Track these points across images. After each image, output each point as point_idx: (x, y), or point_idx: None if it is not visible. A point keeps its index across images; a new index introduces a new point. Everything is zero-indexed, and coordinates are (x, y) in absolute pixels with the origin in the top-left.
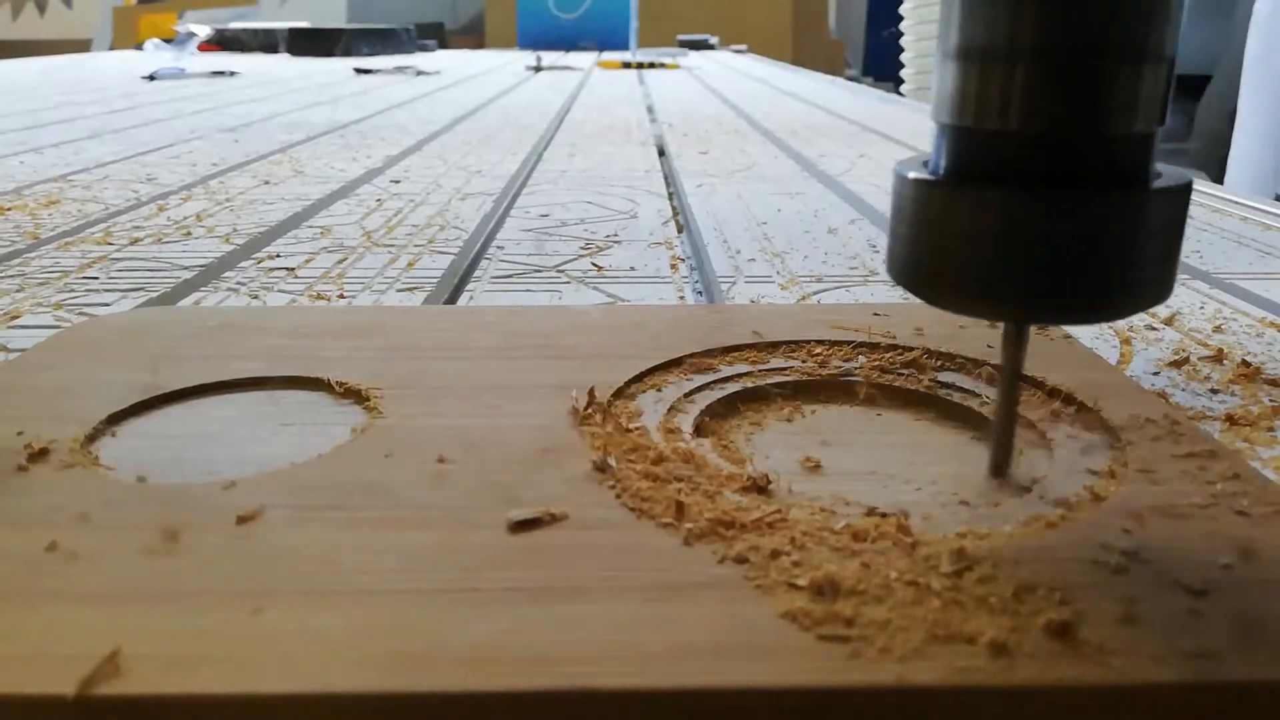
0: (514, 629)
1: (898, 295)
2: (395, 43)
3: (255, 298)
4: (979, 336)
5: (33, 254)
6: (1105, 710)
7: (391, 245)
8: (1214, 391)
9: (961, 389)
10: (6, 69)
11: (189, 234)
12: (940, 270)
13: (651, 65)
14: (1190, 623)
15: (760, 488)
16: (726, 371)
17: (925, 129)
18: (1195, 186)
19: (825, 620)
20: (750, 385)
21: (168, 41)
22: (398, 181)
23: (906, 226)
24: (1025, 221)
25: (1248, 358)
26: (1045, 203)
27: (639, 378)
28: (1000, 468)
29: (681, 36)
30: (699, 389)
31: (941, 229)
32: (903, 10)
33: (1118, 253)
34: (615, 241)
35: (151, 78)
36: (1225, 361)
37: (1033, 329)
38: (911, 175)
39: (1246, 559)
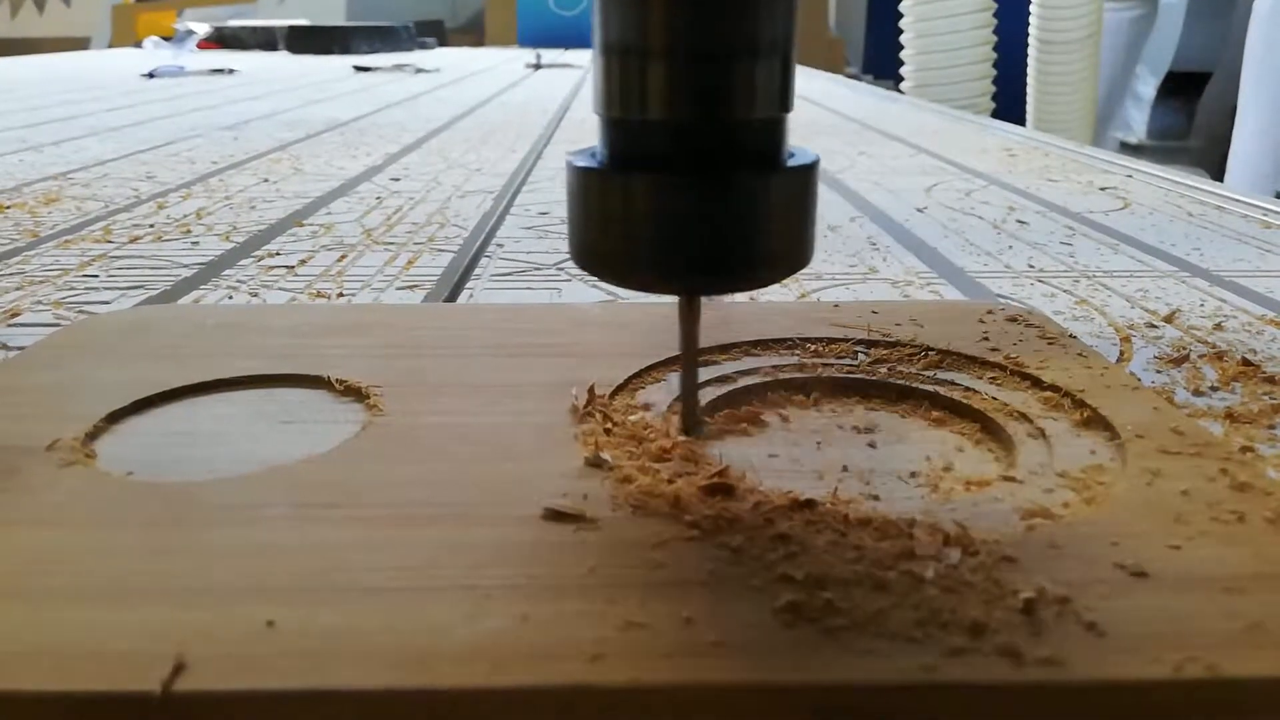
0: (514, 626)
1: (898, 293)
2: (395, 40)
3: (255, 295)
4: (978, 333)
5: (32, 252)
6: (1103, 709)
7: (391, 243)
8: (1214, 389)
9: (960, 385)
10: (5, 67)
11: (189, 232)
12: (609, 251)
13: None
14: (1186, 621)
15: (758, 483)
16: (726, 369)
17: (925, 126)
18: (1196, 184)
19: (821, 613)
20: (750, 382)
21: (167, 39)
22: (397, 179)
23: (577, 211)
24: (671, 202)
25: (1248, 355)
26: (684, 185)
27: (639, 375)
28: (689, 429)
29: None
30: (698, 386)
31: (604, 213)
32: (902, 8)
33: (755, 225)
34: None
35: (150, 75)
36: (1226, 359)
37: (1031, 328)
38: (577, 164)
39: (1244, 558)
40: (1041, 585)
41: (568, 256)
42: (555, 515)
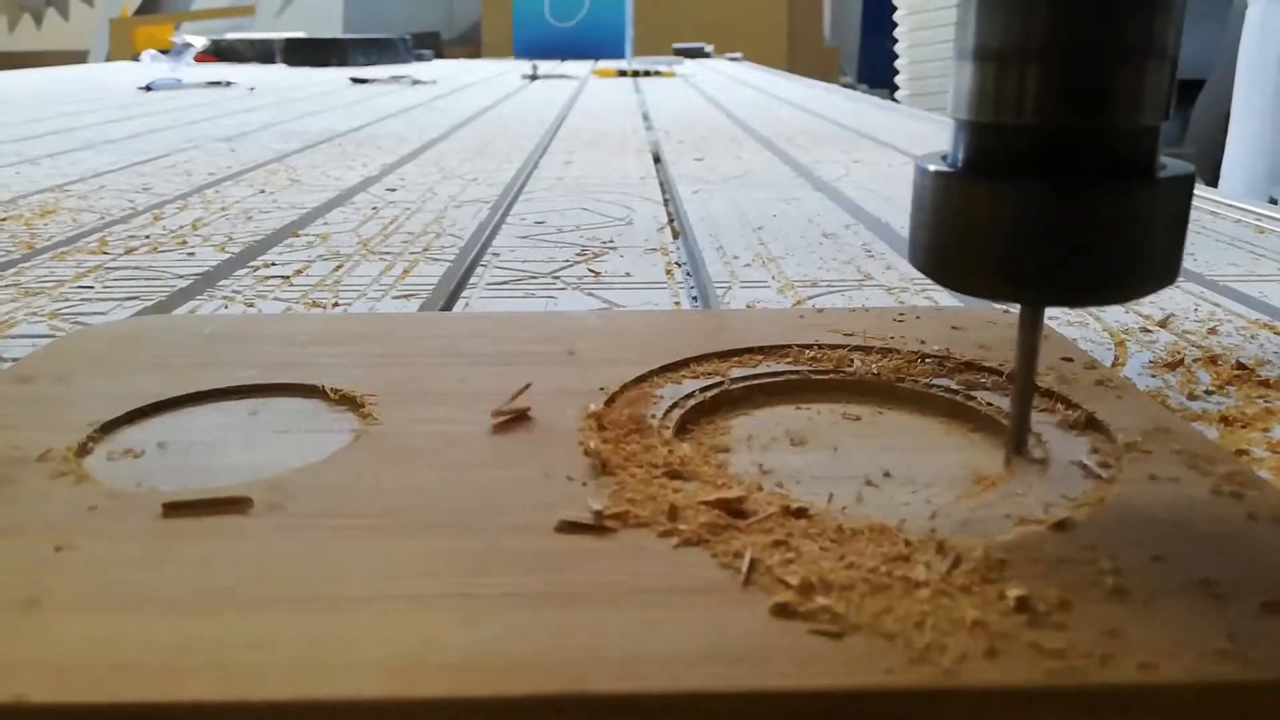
0: (509, 635)
1: (892, 300)
2: (391, 52)
3: (250, 306)
4: (972, 339)
5: (28, 264)
6: (1097, 711)
7: (387, 253)
8: (1209, 393)
9: (957, 390)
10: (3, 80)
11: (184, 243)
12: (961, 257)
13: (647, 73)
14: (1180, 628)
15: (754, 490)
16: (722, 375)
17: (919, 135)
18: None
19: (815, 617)
20: (746, 387)
21: (164, 52)
22: (393, 190)
23: (928, 216)
24: (1039, 210)
25: (1242, 359)
26: (1057, 192)
27: (635, 382)
28: (1020, 445)
29: (677, 45)
30: (695, 393)
31: (961, 218)
32: (897, 18)
33: (1125, 238)
34: (611, 248)
35: (148, 88)
36: (1220, 364)
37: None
38: (932, 168)
39: (1238, 563)
40: (1034, 586)
41: (564, 265)
42: (571, 527)
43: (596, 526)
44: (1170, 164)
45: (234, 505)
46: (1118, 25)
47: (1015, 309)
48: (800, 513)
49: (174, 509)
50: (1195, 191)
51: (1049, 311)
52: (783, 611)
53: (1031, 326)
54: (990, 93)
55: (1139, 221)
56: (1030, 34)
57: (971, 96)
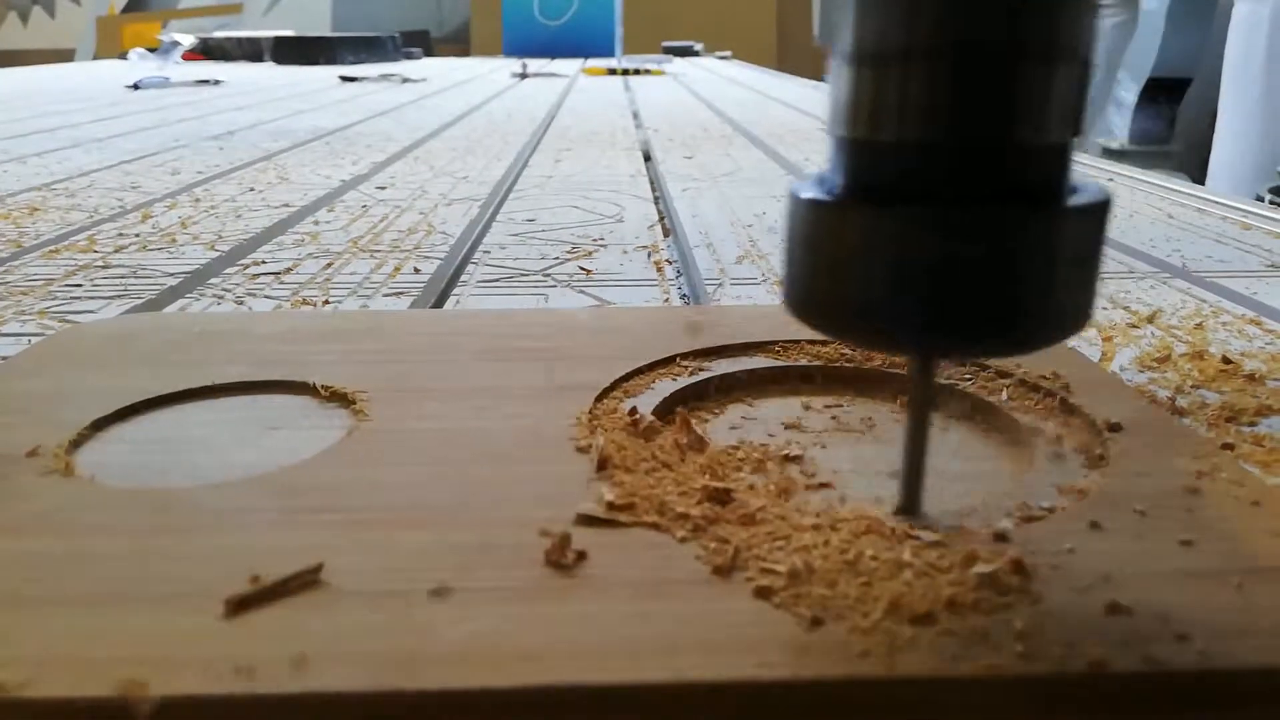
0: (500, 627)
1: None
2: (381, 50)
3: (241, 303)
4: None
5: (16, 262)
6: (1072, 705)
7: (377, 251)
8: (1195, 387)
9: (944, 384)
10: None
11: (174, 241)
12: (836, 299)
13: (637, 71)
14: (1161, 620)
15: (744, 482)
16: (713, 371)
17: None
18: (1177, 186)
19: (800, 603)
20: (737, 382)
21: (152, 51)
22: (383, 188)
23: (800, 250)
24: (924, 243)
25: (1228, 354)
26: (945, 222)
27: (626, 378)
28: (911, 506)
29: (666, 43)
30: (685, 388)
31: (836, 253)
32: None
33: (1028, 277)
34: (601, 245)
35: (136, 87)
36: (1206, 358)
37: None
38: (805, 195)
39: (1225, 553)
40: (1020, 576)
41: (554, 261)
42: (587, 520)
43: (590, 519)
44: (1084, 186)
45: (303, 578)
46: (1015, 20)
47: None
48: (788, 502)
49: (240, 605)
50: (1182, 188)
51: None
52: (769, 599)
53: (923, 380)
54: (869, 104)
55: (1040, 257)
56: (911, 32)
57: (849, 108)
